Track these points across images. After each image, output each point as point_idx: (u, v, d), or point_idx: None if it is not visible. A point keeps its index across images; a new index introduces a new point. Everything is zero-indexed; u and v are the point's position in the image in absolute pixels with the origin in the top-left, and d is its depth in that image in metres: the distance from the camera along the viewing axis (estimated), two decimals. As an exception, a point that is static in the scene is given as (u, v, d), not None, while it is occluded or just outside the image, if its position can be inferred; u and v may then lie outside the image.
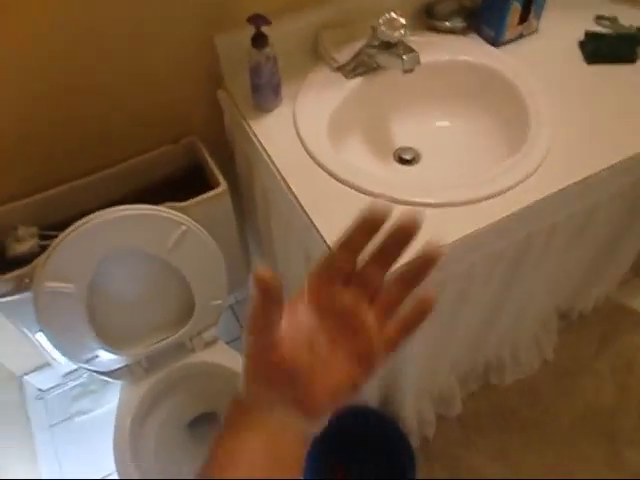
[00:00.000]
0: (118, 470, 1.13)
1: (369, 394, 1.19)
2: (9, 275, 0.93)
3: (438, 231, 0.79)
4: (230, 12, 0.98)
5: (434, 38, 1.13)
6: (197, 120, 1.13)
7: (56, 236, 1.00)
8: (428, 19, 1.15)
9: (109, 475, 1.53)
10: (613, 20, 1.15)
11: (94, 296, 0.97)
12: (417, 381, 1.17)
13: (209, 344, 1.19)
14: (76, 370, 1.64)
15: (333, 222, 0.83)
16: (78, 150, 1.04)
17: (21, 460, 1.45)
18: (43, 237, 1.02)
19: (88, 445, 1.60)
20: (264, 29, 0.90)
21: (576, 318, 1.64)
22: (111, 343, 1.07)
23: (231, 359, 1.21)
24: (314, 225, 0.83)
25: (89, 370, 1.11)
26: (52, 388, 1.70)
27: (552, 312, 1.52)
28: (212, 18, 0.98)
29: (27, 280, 0.94)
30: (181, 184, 1.10)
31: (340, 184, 0.88)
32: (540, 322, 1.47)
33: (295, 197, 0.87)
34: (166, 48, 0.98)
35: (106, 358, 1.08)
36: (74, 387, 1.70)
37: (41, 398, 1.68)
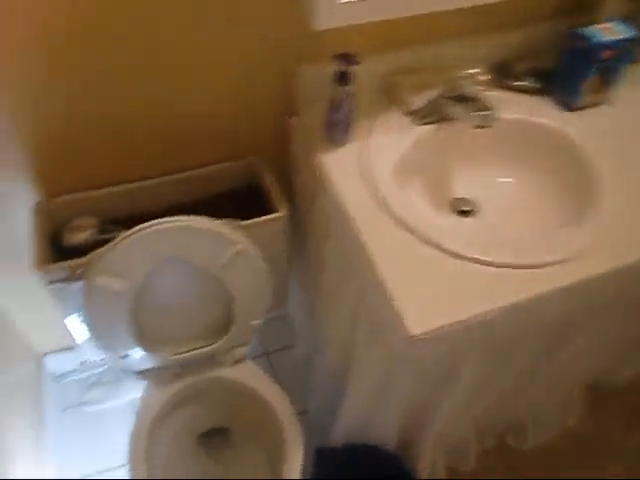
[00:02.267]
0: (130, 467, 1.12)
1: (388, 437, 1.18)
2: (66, 263, 0.95)
3: (494, 291, 0.81)
4: (314, 45, 1.01)
5: (507, 96, 1.14)
6: (263, 141, 1.16)
7: (113, 231, 1.03)
8: (502, 77, 1.16)
9: (108, 469, 1.54)
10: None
11: (140, 297, 0.99)
12: (437, 433, 1.17)
13: (238, 361, 1.20)
14: (95, 360, 1.66)
15: (392, 260, 0.84)
16: (149, 154, 1.08)
17: (28, 440, 1.47)
18: (101, 230, 1.05)
19: (95, 435, 1.61)
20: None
21: (607, 391, 1.60)
22: (147, 344, 1.08)
23: (255, 379, 1.21)
24: (371, 259, 0.84)
25: (119, 366, 1.12)
26: (69, 373, 1.72)
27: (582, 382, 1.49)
28: (296, 48, 1.01)
29: (80, 270, 0.97)
30: (240, 200, 1.12)
31: (402, 229, 0.89)
32: (568, 391, 1.45)
33: (357, 232, 0.88)
34: (245, 69, 1.01)
35: (138, 357, 1.10)
36: (90, 376, 1.71)
37: (58, 381, 1.70)
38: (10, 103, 0.91)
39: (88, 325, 1.00)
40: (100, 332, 1.02)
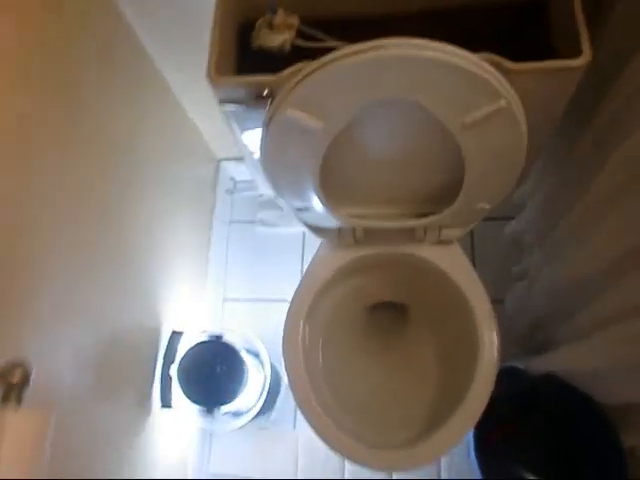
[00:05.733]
0: (287, 322, 0.96)
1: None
2: (249, 79, 0.68)
3: None
4: None
5: None
6: None
7: (319, 39, 0.73)
8: None
9: (265, 300, 1.46)
10: None
11: (339, 142, 0.71)
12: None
13: (442, 243, 0.91)
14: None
15: None
16: None
17: (196, 245, 1.40)
18: (301, 34, 0.75)
19: (258, 256, 1.51)
20: None
21: None
22: (334, 202, 0.83)
23: (455, 266, 0.93)
24: None
25: (296, 216, 0.90)
26: (245, 182, 1.58)
27: None
28: None
29: (267, 92, 0.70)
30: (503, 20, 0.73)
31: None
32: None
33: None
34: None
35: (318, 213, 0.86)
36: (263, 195, 1.56)
37: (231, 193, 1.59)
38: None
39: (264, 164, 0.76)
40: (279, 175, 0.78)
